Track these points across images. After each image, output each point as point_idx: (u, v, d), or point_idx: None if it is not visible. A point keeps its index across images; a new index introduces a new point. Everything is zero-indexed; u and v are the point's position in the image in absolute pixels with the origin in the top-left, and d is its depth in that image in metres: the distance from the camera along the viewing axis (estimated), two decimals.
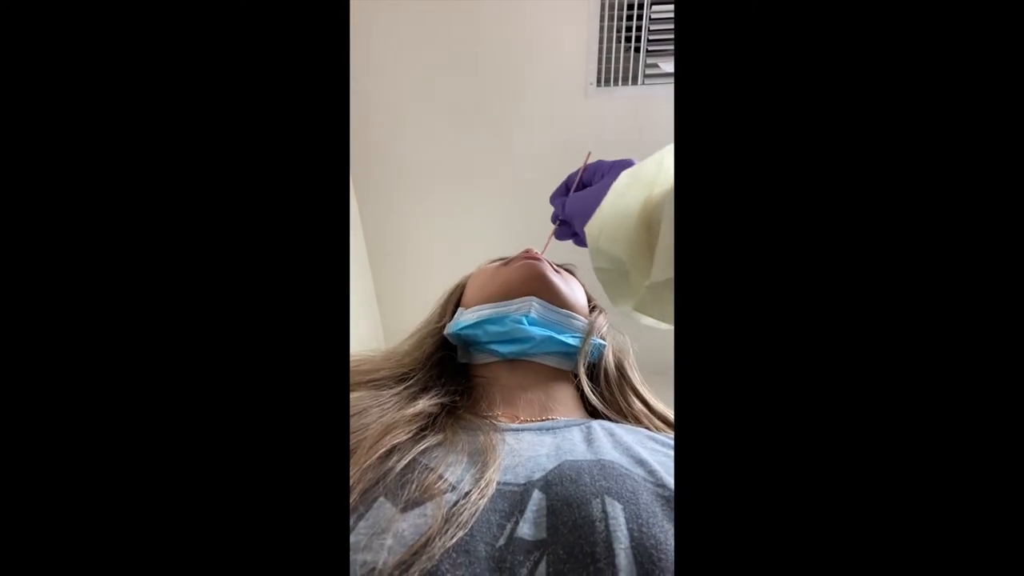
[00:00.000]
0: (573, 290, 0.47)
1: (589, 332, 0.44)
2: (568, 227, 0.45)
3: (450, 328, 0.44)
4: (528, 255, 0.47)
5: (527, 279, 0.44)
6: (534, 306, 0.42)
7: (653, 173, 0.32)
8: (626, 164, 0.40)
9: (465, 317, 0.44)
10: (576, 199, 0.43)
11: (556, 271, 0.47)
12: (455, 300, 0.48)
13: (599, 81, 1.27)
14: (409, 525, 0.24)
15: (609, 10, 1.18)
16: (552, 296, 0.44)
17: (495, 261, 0.50)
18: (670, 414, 0.42)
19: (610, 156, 1.31)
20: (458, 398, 0.39)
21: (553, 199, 0.46)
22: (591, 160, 0.44)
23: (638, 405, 0.43)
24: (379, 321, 1.71)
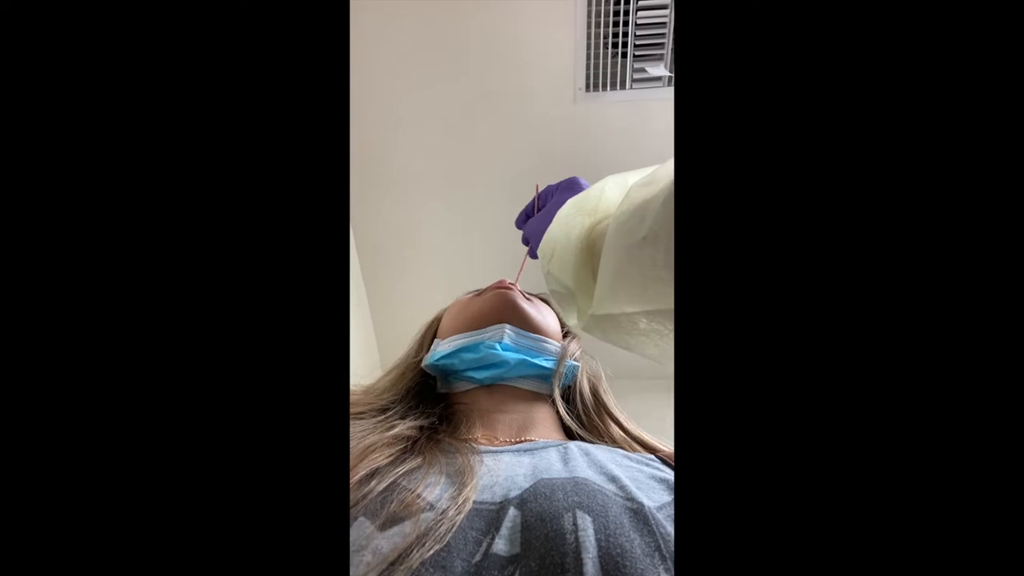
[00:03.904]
0: (545, 316, 0.48)
1: (563, 356, 0.45)
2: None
3: (427, 360, 0.46)
4: (500, 285, 0.48)
5: (499, 307, 0.46)
6: (507, 332, 0.44)
7: (595, 202, 0.33)
8: (571, 184, 0.42)
9: (441, 348, 0.45)
10: (532, 223, 0.45)
11: (528, 299, 0.48)
12: (431, 333, 0.50)
13: (588, 86, 1.28)
14: (387, 542, 0.25)
15: (596, 17, 1.18)
16: (524, 322, 0.45)
17: (469, 293, 0.51)
18: (646, 436, 0.43)
19: (601, 159, 1.30)
20: (437, 422, 0.40)
21: (518, 224, 0.48)
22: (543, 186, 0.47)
23: (615, 429, 0.44)
24: (372, 328, 1.72)
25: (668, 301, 0.25)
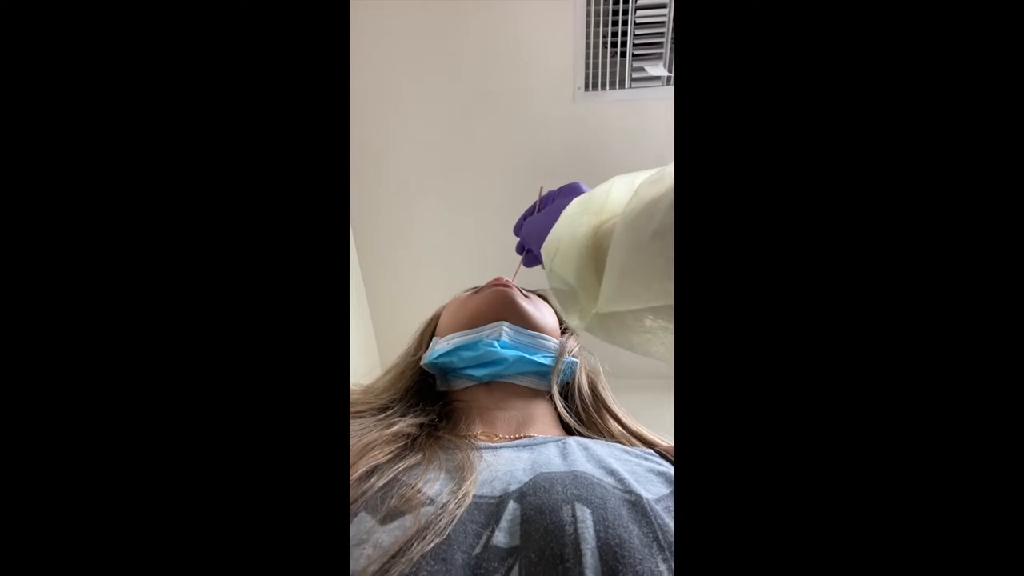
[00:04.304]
0: (543, 313, 0.48)
1: (561, 352, 0.45)
2: (532, 254, 0.47)
3: (426, 358, 0.46)
4: (498, 282, 0.48)
5: (497, 305, 0.46)
6: (505, 329, 0.44)
7: (601, 201, 0.33)
8: (572, 188, 0.42)
9: (440, 346, 0.45)
10: (530, 223, 0.45)
11: (525, 296, 0.48)
12: (430, 332, 0.50)
13: (587, 86, 1.28)
14: (388, 535, 0.25)
15: (595, 16, 1.18)
16: (522, 319, 0.45)
17: (467, 291, 0.51)
18: (645, 431, 0.43)
19: (600, 158, 1.30)
20: (437, 420, 0.40)
21: (516, 231, 0.48)
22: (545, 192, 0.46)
23: (614, 425, 0.44)
24: (371, 327, 1.73)
25: (671, 298, 0.25)
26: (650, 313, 0.28)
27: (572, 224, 0.35)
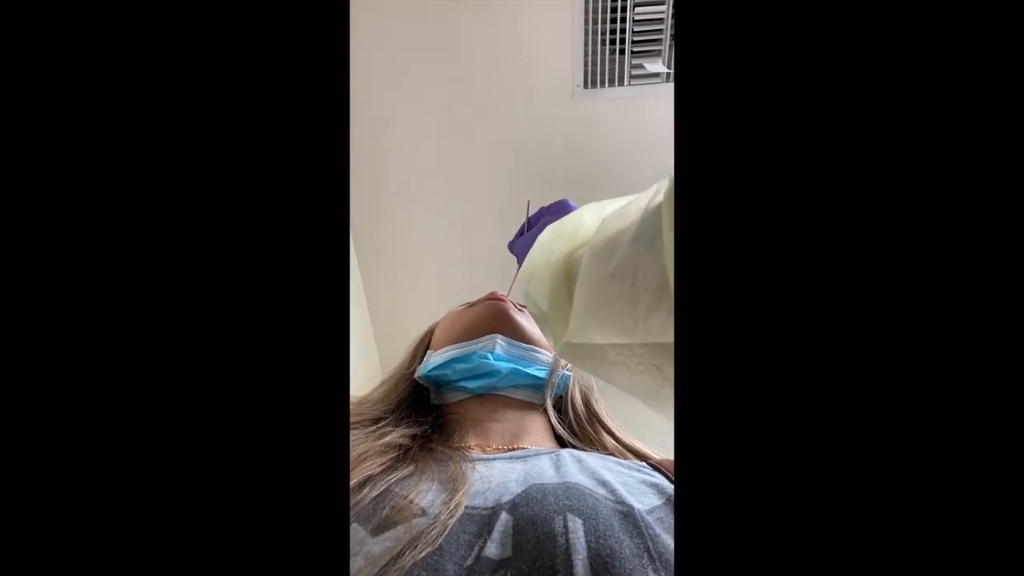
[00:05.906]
0: (536, 327, 0.48)
1: (555, 366, 0.46)
2: None
3: (420, 371, 0.46)
4: (492, 296, 0.49)
5: (491, 318, 0.46)
6: (499, 342, 0.44)
7: (573, 228, 0.33)
8: (560, 206, 0.41)
9: (434, 359, 0.46)
10: (521, 243, 0.45)
11: (519, 310, 0.48)
12: (424, 345, 0.50)
13: (586, 83, 1.27)
14: (379, 546, 0.25)
15: (593, 13, 1.18)
16: (515, 332, 0.46)
17: (461, 305, 0.52)
18: (638, 444, 0.44)
19: (600, 156, 1.30)
20: (430, 431, 0.40)
21: (510, 248, 0.48)
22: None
23: (608, 438, 0.45)
24: (370, 328, 1.73)
25: (632, 336, 0.25)
26: (612, 349, 0.27)
27: (546, 250, 0.35)
